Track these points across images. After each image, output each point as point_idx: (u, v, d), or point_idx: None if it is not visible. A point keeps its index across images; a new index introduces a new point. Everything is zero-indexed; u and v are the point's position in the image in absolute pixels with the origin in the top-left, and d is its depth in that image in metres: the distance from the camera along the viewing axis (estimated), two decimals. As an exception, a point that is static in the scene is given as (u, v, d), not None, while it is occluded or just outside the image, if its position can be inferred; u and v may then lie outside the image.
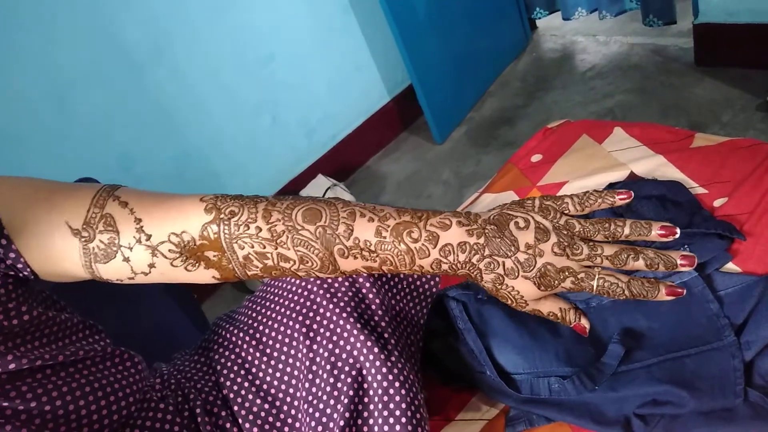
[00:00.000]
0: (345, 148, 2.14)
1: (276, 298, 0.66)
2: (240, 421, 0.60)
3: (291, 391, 0.61)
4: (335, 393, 0.57)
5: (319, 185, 1.89)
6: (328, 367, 0.58)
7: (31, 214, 0.45)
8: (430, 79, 2.02)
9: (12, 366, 0.45)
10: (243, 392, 0.61)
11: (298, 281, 0.65)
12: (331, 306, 0.61)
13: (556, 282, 0.46)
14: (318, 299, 0.62)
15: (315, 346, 0.60)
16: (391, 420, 0.55)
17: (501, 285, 0.47)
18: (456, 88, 2.18)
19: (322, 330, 0.61)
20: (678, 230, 0.44)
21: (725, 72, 1.83)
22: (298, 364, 0.61)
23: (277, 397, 0.61)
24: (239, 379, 0.62)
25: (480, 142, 2.09)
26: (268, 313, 0.65)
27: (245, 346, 0.64)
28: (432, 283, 0.71)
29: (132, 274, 0.47)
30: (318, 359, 0.60)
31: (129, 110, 1.58)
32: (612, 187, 0.86)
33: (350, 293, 0.62)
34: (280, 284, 0.67)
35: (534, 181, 0.97)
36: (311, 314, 0.62)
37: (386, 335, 0.60)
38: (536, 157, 1.02)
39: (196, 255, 0.46)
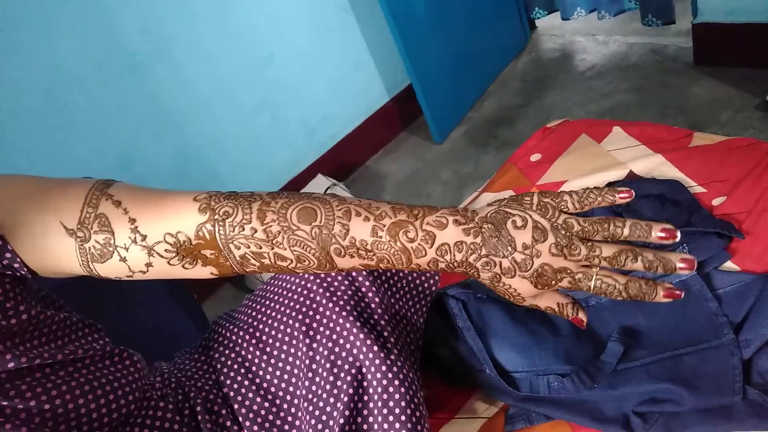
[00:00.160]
0: (344, 148, 2.14)
1: (276, 297, 0.66)
2: (240, 419, 0.60)
3: (291, 389, 0.61)
4: (335, 391, 0.57)
5: (319, 185, 1.89)
6: (328, 365, 0.59)
7: (25, 213, 0.45)
8: (430, 78, 2.02)
9: (11, 365, 0.45)
10: (243, 391, 0.62)
11: (298, 280, 0.65)
12: (330, 305, 0.61)
13: (553, 282, 0.46)
14: (318, 298, 0.62)
15: (315, 345, 0.60)
16: (391, 418, 0.55)
17: (498, 282, 0.46)
18: (455, 88, 2.18)
19: (321, 329, 0.61)
20: (678, 233, 0.44)
21: (724, 71, 1.84)
22: (298, 362, 0.61)
23: (277, 395, 0.62)
24: (239, 378, 0.63)
25: (479, 141, 2.09)
26: (268, 312, 0.65)
27: (245, 344, 0.65)
28: (432, 281, 0.71)
29: (130, 273, 0.47)
30: (318, 358, 0.60)
31: (129, 110, 1.58)
32: (611, 186, 0.86)
33: (350, 292, 0.62)
34: (280, 283, 0.67)
35: (533, 181, 0.97)
36: (311, 313, 0.62)
37: (386, 334, 0.60)
38: (535, 157, 1.03)
39: (192, 254, 0.46)
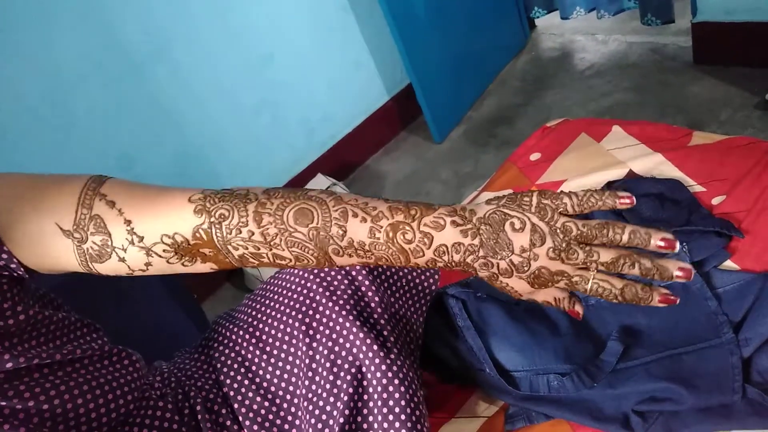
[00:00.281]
0: (344, 148, 2.14)
1: (276, 297, 0.66)
2: (240, 418, 0.60)
3: (291, 388, 0.61)
4: (335, 390, 0.57)
5: (319, 184, 1.89)
6: (328, 364, 0.59)
7: (20, 213, 0.45)
8: (429, 78, 2.02)
9: (9, 365, 0.45)
10: (243, 390, 0.62)
11: (297, 279, 0.65)
12: (330, 304, 0.61)
13: (550, 283, 0.46)
14: (318, 297, 0.62)
15: (315, 344, 0.60)
16: (391, 417, 0.55)
17: (496, 280, 0.47)
18: (455, 88, 2.18)
19: (321, 328, 0.61)
20: (678, 245, 0.43)
21: (723, 70, 1.84)
22: (298, 361, 0.61)
23: (277, 394, 0.62)
24: (239, 377, 0.63)
25: (479, 141, 2.09)
26: (268, 311, 0.65)
27: (245, 344, 0.65)
28: (431, 281, 0.71)
29: (130, 271, 0.47)
30: (318, 357, 0.60)
31: (129, 109, 1.58)
32: (611, 185, 0.86)
33: (350, 291, 0.62)
34: (279, 283, 0.67)
35: (533, 180, 0.97)
36: (311, 312, 0.62)
37: (385, 333, 0.60)
38: (535, 156, 1.03)
39: (191, 252, 0.46)
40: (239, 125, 1.84)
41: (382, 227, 0.45)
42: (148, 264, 0.46)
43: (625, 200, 0.45)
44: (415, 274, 0.70)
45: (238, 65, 1.78)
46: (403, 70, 2.04)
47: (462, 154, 2.06)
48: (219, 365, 0.64)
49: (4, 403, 0.45)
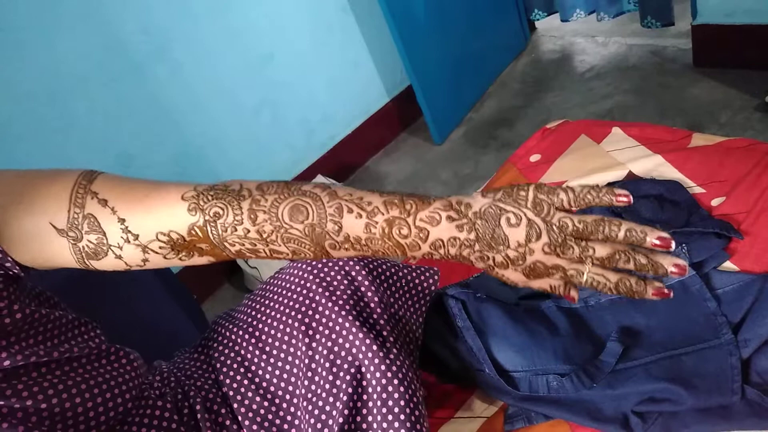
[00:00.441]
0: (344, 149, 2.14)
1: (275, 297, 0.66)
2: (240, 418, 0.60)
3: (290, 388, 0.61)
4: (334, 390, 0.57)
5: (319, 185, 1.89)
6: (327, 364, 0.59)
7: (12, 214, 0.45)
8: (430, 79, 2.02)
9: (7, 363, 0.45)
10: (243, 390, 0.62)
11: (297, 280, 0.65)
12: (330, 304, 0.61)
13: (545, 276, 0.46)
14: (317, 297, 0.62)
15: (314, 344, 0.60)
16: (390, 417, 0.55)
17: (492, 271, 0.47)
18: (455, 89, 2.18)
19: (321, 328, 0.61)
20: (674, 244, 0.43)
21: (723, 73, 1.84)
22: (297, 361, 0.61)
23: (276, 394, 0.62)
24: (239, 377, 0.63)
25: (479, 142, 2.09)
26: (268, 311, 0.65)
27: (245, 344, 0.65)
28: (431, 281, 0.71)
29: (127, 267, 0.47)
30: (317, 357, 0.60)
31: (128, 109, 1.58)
32: (611, 186, 0.86)
33: (349, 291, 0.62)
34: (279, 283, 0.67)
35: (533, 181, 0.97)
36: (310, 312, 0.62)
37: (385, 333, 0.60)
38: (535, 157, 1.03)
39: (187, 248, 0.46)
40: (239, 125, 1.84)
41: (377, 223, 0.45)
42: (145, 260, 0.47)
43: (622, 197, 0.45)
44: (414, 274, 0.70)
45: (238, 65, 1.78)
46: (403, 71, 2.05)
47: (462, 155, 2.07)
48: (218, 365, 0.64)
49: (2, 403, 0.44)
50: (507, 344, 0.69)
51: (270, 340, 0.63)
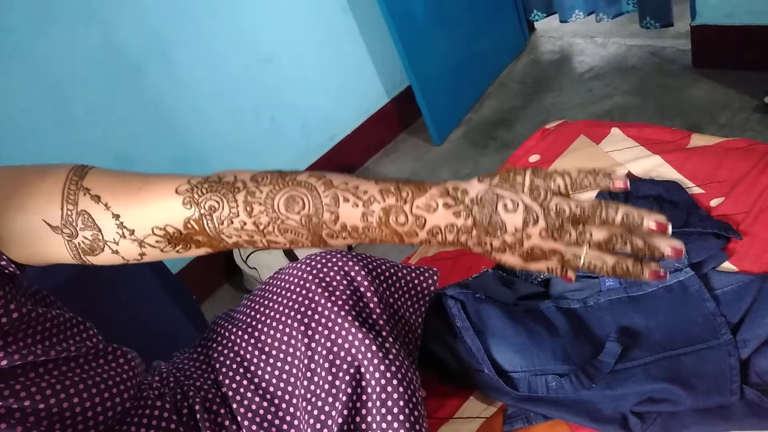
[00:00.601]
0: (344, 149, 2.14)
1: (275, 297, 0.66)
2: (239, 418, 0.60)
3: (290, 388, 0.61)
4: (334, 390, 0.57)
5: (318, 186, 1.89)
6: (327, 364, 0.59)
7: (4, 211, 0.45)
8: (429, 80, 2.02)
9: (4, 363, 0.45)
10: (242, 390, 0.62)
11: (296, 280, 0.65)
12: (329, 304, 0.61)
13: (543, 260, 0.46)
14: (316, 297, 0.62)
15: (313, 344, 0.60)
16: (389, 417, 0.55)
17: (489, 255, 0.47)
18: (454, 90, 2.18)
19: (320, 328, 0.61)
20: (670, 227, 0.44)
21: (722, 73, 1.84)
22: (296, 362, 0.61)
23: (275, 395, 0.62)
24: (238, 377, 0.62)
25: (478, 143, 2.09)
26: (267, 311, 0.65)
27: (244, 344, 0.65)
28: (430, 281, 0.71)
29: (124, 261, 0.47)
30: (316, 357, 0.60)
31: (127, 111, 1.58)
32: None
33: (348, 291, 0.62)
34: (278, 283, 0.67)
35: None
36: (310, 312, 0.62)
37: (384, 333, 0.60)
38: (534, 158, 1.03)
39: (184, 241, 0.46)
40: (238, 126, 1.84)
41: (374, 212, 0.45)
42: (142, 254, 0.47)
43: (619, 183, 0.45)
44: (414, 275, 0.70)
45: (238, 67, 1.78)
46: (402, 71, 2.05)
47: (461, 155, 2.07)
48: (218, 365, 0.64)
49: (0, 403, 0.44)
50: (506, 344, 0.69)
51: (269, 341, 0.63)
